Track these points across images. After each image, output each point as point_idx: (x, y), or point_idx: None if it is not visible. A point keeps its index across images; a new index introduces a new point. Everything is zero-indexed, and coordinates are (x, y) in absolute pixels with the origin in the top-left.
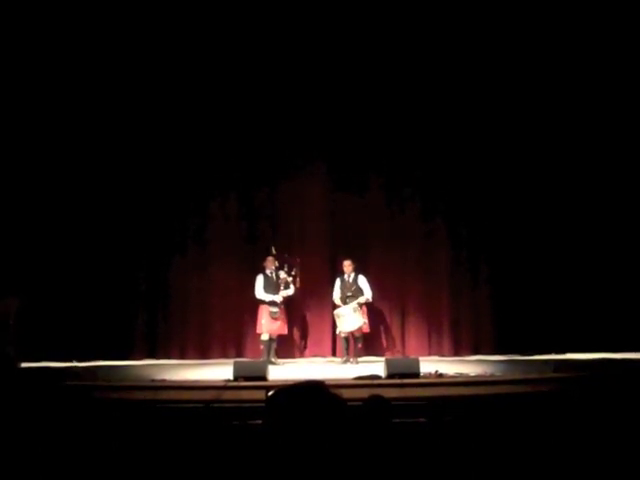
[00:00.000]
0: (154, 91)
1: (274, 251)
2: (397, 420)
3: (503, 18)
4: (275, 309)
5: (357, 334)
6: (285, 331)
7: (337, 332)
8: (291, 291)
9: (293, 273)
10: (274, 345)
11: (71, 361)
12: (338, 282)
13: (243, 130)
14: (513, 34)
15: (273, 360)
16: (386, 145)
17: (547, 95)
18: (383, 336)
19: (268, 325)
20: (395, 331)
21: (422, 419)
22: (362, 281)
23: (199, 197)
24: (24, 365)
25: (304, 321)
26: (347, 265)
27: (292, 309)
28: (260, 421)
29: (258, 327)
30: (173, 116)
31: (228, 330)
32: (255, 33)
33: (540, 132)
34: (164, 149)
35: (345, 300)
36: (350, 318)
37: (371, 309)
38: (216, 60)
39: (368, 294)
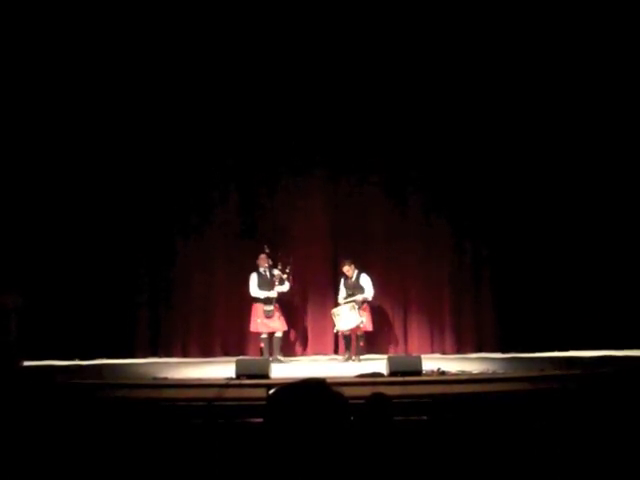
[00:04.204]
0: (155, 94)
1: (267, 249)
2: (399, 418)
3: (502, 18)
4: (269, 307)
5: (359, 332)
6: (284, 328)
7: (334, 331)
8: (286, 287)
9: (287, 270)
10: (280, 343)
11: (73, 359)
12: (342, 282)
13: (243, 129)
14: (513, 34)
15: (280, 358)
16: (387, 141)
17: (548, 95)
18: (385, 334)
19: (264, 323)
20: (397, 329)
21: (424, 417)
22: (364, 280)
23: (200, 195)
24: (26, 363)
25: (306, 319)
26: (347, 270)
27: (294, 307)
28: (262, 419)
29: (252, 325)
30: (175, 115)
31: (230, 328)
32: (255, 33)
33: (541, 130)
34: (164, 149)
35: (347, 299)
36: (346, 316)
37: (373, 307)
38: (219, 62)
39: (368, 293)
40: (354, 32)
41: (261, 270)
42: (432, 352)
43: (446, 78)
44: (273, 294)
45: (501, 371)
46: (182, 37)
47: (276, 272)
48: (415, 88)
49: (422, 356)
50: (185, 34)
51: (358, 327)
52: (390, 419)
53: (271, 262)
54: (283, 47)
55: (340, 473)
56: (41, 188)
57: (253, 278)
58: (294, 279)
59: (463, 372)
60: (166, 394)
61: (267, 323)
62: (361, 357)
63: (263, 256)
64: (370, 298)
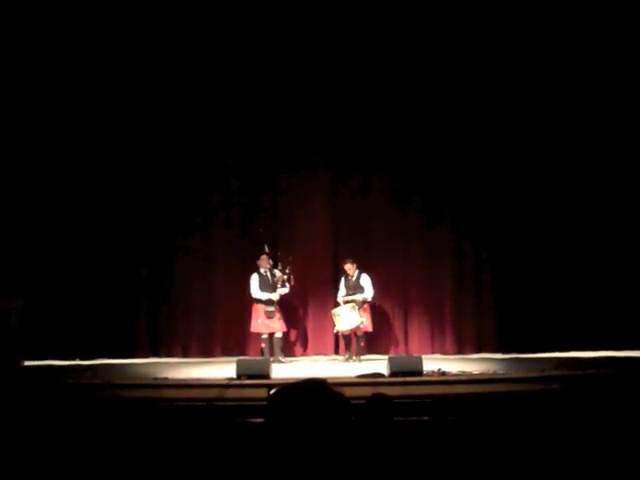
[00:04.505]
0: (156, 94)
1: (267, 249)
2: (400, 418)
3: (503, 18)
4: (271, 308)
5: (359, 333)
6: (283, 329)
7: (334, 331)
8: (287, 289)
9: (287, 271)
10: (280, 343)
11: (74, 359)
12: (342, 281)
13: (245, 130)
14: (513, 34)
15: (281, 359)
16: (389, 144)
17: (547, 98)
18: (386, 334)
19: (265, 324)
20: (398, 329)
21: (425, 417)
22: (364, 280)
23: (201, 195)
24: (27, 363)
25: (306, 319)
26: (348, 268)
27: (294, 307)
28: (262, 419)
29: (253, 326)
30: (176, 116)
31: (231, 328)
32: (258, 34)
33: (541, 133)
34: (165, 151)
35: (346, 298)
36: (346, 317)
37: (374, 307)
38: (221, 62)
39: (368, 293)
40: (357, 33)
41: (262, 271)
42: (433, 352)
43: (448, 81)
44: (275, 296)
45: (502, 372)
46: (183, 37)
47: (277, 273)
48: (417, 91)
49: (423, 356)
50: (186, 34)
51: (358, 327)
52: (391, 419)
53: (272, 263)
54: (285, 48)
55: (341, 474)
56: (42, 190)
57: (254, 279)
58: (295, 279)
59: (464, 373)
60: (167, 394)
61: (268, 324)
62: (362, 357)
63: (264, 257)
64: (370, 298)
